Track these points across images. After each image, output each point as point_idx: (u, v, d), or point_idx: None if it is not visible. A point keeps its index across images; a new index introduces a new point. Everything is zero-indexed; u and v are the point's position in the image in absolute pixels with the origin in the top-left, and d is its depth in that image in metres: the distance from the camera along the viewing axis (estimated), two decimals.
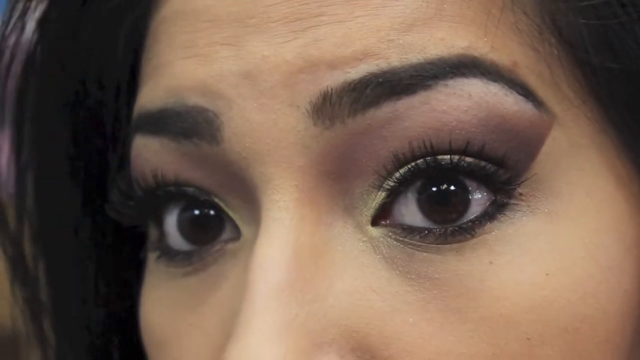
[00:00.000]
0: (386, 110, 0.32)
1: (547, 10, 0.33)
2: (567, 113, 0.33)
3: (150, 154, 0.35)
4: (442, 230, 0.32)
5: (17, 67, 0.42)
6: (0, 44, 0.41)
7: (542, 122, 0.32)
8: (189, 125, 0.34)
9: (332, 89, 0.32)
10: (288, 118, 0.32)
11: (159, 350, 0.37)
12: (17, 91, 0.42)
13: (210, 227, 0.36)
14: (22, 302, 0.44)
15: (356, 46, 0.32)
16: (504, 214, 0.32)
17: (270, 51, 0.33)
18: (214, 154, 0.34)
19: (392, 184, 0.33)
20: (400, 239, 0.33)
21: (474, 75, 0.32)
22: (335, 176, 0.33)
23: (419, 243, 0.32)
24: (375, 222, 0.33)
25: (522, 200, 0.32)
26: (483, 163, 0.32)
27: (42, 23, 0.40)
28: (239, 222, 0.35)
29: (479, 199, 0.32)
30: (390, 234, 0.33)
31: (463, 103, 0.32)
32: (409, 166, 0.32)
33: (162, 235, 0.37)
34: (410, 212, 0.33)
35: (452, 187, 0.32)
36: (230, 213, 0.35)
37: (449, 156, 0.32)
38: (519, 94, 0.32)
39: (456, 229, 0.32)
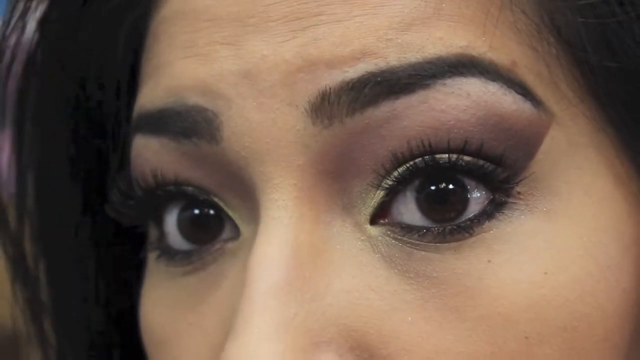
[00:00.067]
0: (384, 109, 0.32)
1: (545, 9, 0.33)
2: (566, 112, 0.33)
3: (150, 154, 0.35)
4: (441, 229, 0.32)
5: (17, 67, 0.42)
6: (1, 44, 0.41)
7: (540, 121, 0.32)
8: (189, 124, 0.34)
9: (330, 88, 0.32)
10: (287, 117, 0.32)
11: (158, 350, 0.37)
12: (17, 91, 0.42)
13: (209, 227, 0.36)
14: (23, 301, 0.44)
15: (354, 45, 0.32)
16: (502, 212, 0.32)
17: (270, 50, 0.33)
18: (213, 153, 0.34)
19: (390, 183, 0.33)
20: (399, 237, 0.33)
21: (473, 75, 0.32)
22: (334, 175, 0.33)
23: (417, 242, 0.32)
24: (373, 221, 0.33)
25: (521, 199, 0.32)
26: (481, 162, 0.32)
27: (42, 23, 0.40)
28: (238, 221, 0.35)
29: (477, 197, 0.32)
30: (389, 232, 0.33)
31: (461, 102, 0.32)
32: (408, 165, 0.32)
33: (161, 234, 0.37)
34: (408, 210, 0.33)
35: (451, 186, 0.32)
36: (230, 212, 0.35)
37: (447, 155, 0.32)
38: (518, 93, 0.32)
39: (454, 227, 0.32)
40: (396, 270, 0.32)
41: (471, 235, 0.32)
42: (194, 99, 0.34)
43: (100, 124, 0.42)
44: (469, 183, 0.32)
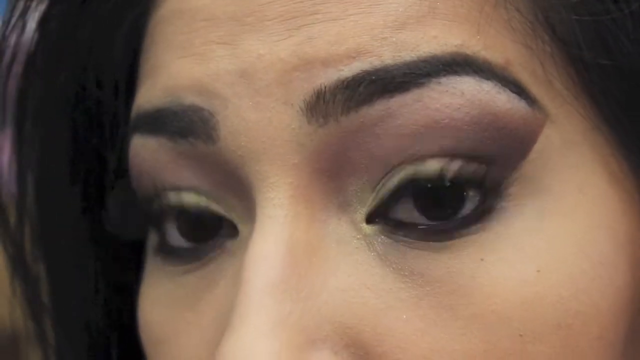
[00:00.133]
0: (379, 108, 0.32)
1: (540, 7, 0.33)
2: (560, 110, 0.33)
3: (148, 153, 0.35)
4: (435, 227, 0.32)
5: (17, 67, 0.42)
6: (1, 44, 0.42)
7: (534, 120, 0.32)
8: (185, 124, 0.34)
9: (325, 87, 0.32)
10: (282, 116, 0.32)
11: (157, 349, 0.37)
12: (17, 91, 0.42)
13: (208, 225, 0.36)
14: (23, 301, 0.44)
15: (350, 44, 0.32)
16: (495, 212, 0.32)
17: (266, 49, 0.33)
18: (210, 153, 0.34)
19: (385, 181, 0.33)
20: (394, 236, 0.33)
21: (467, 73, 0.32)
22: (330, 174, 0.33)
23: (412, 240, 0.32)
24: (369, 219, 0.33)
25: (511, 200, 0.32)
26: (474, 162, 0.32)
27: (42, 23, 0.41)
28: (236, 220, 0.35)
29: (471, 196, 0.32)
30: (384, 231, 0.33)
31: (455, 101, 0.32)
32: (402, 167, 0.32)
33: (161, 233, 0.37)
34: (404, 209, 0.33)
35: (446, 185, 0.33)
36: (227, 212, 0.35)
37: (440, 156, 0.32)
38: (512, 91, 0.32)
39: (449, 226, 0.32)
40: (391, 269, 0.32)
41: (464, 234, 0.32)
42: (191, 99, 0.34)
43: (99, 124, 0.42)
44: (463, 183, 0.32)
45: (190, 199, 0.36)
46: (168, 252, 0.37)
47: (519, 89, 0.32)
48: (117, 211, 0.39)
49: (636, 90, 0.33)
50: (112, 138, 0.42)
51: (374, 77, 0.32)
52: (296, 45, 0.32)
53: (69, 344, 0.44)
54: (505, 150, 0.32)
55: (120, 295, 0.43)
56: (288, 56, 0.32)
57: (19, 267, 0.44)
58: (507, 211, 0.32)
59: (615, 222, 0.33)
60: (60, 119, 0.42)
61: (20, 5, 0.41)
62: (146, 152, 0.35)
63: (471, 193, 0.32)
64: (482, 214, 0.32)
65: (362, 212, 0.33)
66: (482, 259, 0.32)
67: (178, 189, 0.36)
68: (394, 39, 0.32)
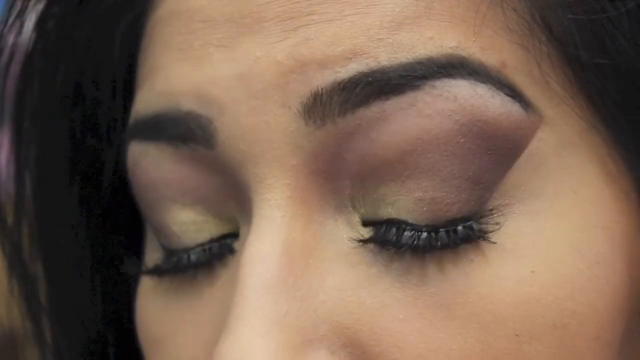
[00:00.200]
0: (375, 109, 0.32)
1: (536, 7, 0.33)
2: (557, 111, 0.33)
3: (149, 161, 0.35)
4: (431, 229, 0.32)
5: (15, 67, 0.42)
6: None
7: (528, 124, 0.32)
8: (184, 131, 0.34)
9: (322, 89, 0.32)
10: (280, 119, 0.33)
11: (154, 347, 0.37)
12: (16, 90, 0.42)
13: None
14: (20, 301, 0.44)
15: (346, 45, 0.32)
16: (488, 215, 0.32)
17: (263, 52, 0.33)
18: (210, 157, 0.34)
19: (380, 185, 0.33)
20: (391, 237, 0.33)
21: (462, 76, 0.32)
22: (327, 175, 0.33)
23: (408, 241, 0.32)
24: (365, 220, 0.33)
25: (494, 214, 0.32)
26: (458, 182, 0.32)
27: (40, 22, 0.41)
28: (235, 222, 0.35)
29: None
30: (380, 232, 0.33)
31: (448, 106, 0.32)
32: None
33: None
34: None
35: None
36: (227, 215, 0.35)
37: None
38: (506, 94, 0.32)
39: (445, 229, 0.32)
40: (388, 269, 0.33)
41: (460, 237, 0.32)
42: (188, 105, 0.34)
43: (97, 124, 0.42)
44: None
45: (191, 217, 0.36)
46: (166, 252, 0.37)
47: (513, 92, 0.32)
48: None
49: (633, 90, 0.33)
50: (109, 138, 0.42)
51: (370, 79, 0.32)
52: (292, 47, 0.32)
53: (66, 344, 0.44)
54: (494, 156, 0.32)
55: (117, 294, 0.43)
56: (284, 58, 0.32)
57: (16, 266, 0.44)
58: (501, 213, 0.32)
59: (612, 222, 0.33)
60: (58, 118, 0.42)
61: (18, 4, 0.41)
62: (146, 159, 0.36)
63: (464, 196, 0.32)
64: (463, 234, 0.32)
65: (358, 214, 0.33)
66: (471, 261, 0.32)
67: (181, 202, 0.35)
68: (390, 40, 0.32)
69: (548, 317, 0.32)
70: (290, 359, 0.31)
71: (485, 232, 0.32)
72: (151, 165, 0.35)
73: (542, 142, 0.33)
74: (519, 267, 0.32)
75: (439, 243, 0.32)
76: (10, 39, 0.41)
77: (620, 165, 0.34)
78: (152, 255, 0.38)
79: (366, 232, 0.33)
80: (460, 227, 0.32)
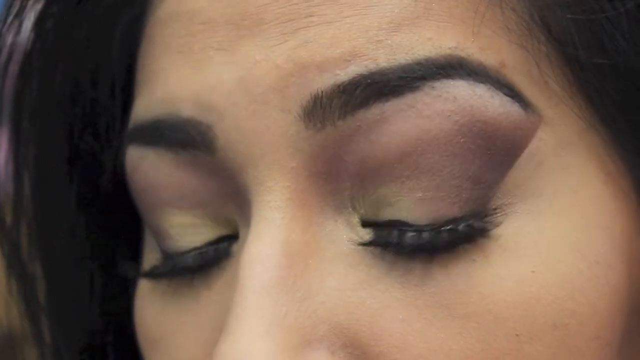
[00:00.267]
0: (375, 111, 0.32)
1: (535, 6, 0.33)
2: (556, 110, 0.33)
3: (147, 165, 0.35)
4: (433, 229, 0.32)
5: (14, 66, 0.42)
6: None
7: (527, 124, 0.32)
8: (184, 137, 0.34)
9: (322, 92, 0.32)
10: (280, 123, 0.33)
11: (153, 348, 0.37)
12: (15, 90, 0.42)
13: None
14: (19, 300, 0.44)
15: (345, 47, 0.32)
16: (489, 215, 0.32)
17: (262, 55, 0.33)
18: (209, 161, 0.34)
19: (380, 186, 0.33)
20: (390, 238, 0.32)
21: (461, 77, 0.32)
22: (327, 177, 0.33)
23: (409, 242, 0.32)
24: (365, 221, 0.33)
25: (497, 213, 0.32)
26: (459, 181, 0.32)
27: (38, 22, 0.41)
28: (234, 225, 0.35)
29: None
30: (380, 233, 0.33)
31: (447, 107, 0.32)
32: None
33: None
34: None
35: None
36: (226, 219, 0.35)
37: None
38: (506, 94, 0.32)
39: (446, 228, 0.32)
40: (388, 269, 0.33)
41: (461, 237, 0.32)
42: (188, 112, 0.34)
43: (96, 124, 0.42)
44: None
45: (189, 220, 0.36)
46: (165, 252, 0.37)
47: (512, 92, 0.32)
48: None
49: (632, 89, 0.33)
50: (108, 138, 0.42)
51: (369, 81, 0.32)
52: (291, 50, 0.32)
53: (65, 344, 0.44)
54: (493, 159, 0.32)
55: (116, 294, 0.43)
56: (284, 62, 0.32)
57: (15, 266, 0.44)
58: (503, 213, 0.32)
59: (611, 222, 0.33)
60: (56, 118, 0.42)
61: (17, 4, 0.41)
62: (145, 163, 0.36)
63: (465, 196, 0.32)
64: (464, 233, 0.32)
65: (358, 215, 0.33)
66: (474, 260, 0.32)
67: (179, 206, 0.36)
68: (389, 42, 0.32)
69: (548, 317, 0.32)
70: (289, 359, 0.31)
71: (487, 231, 0.32)
72: (149, 169, 0.35)
73: (542, 142, 0.33)
74: (520, 267, 0.32)
75: (440, 243, 0.32)
76: (9, 39, 0.41)
77: (619, 165, 0.34)
78: (150, 257, 0.38)
79: (366, 233, 0.33)
80: (461, 227, 0.32)
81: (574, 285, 0.32)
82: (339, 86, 0.32)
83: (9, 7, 0.41)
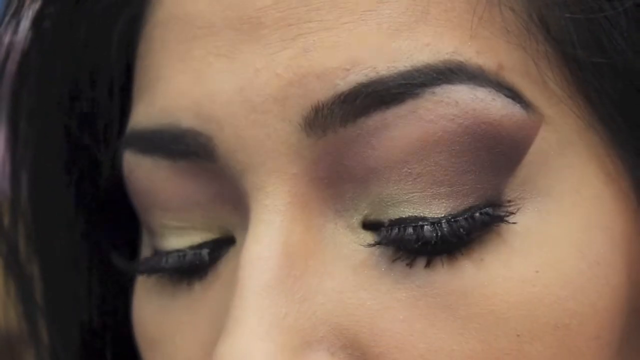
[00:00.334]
0: (376, 119, 0.32)
1: (534, 6, 0.33)
2: (555, 110, 0.33)
3: (142, 173, 0.36)
4: (450, 220, 0.32)
5: (12, 66, 0.42)
6: None
7: (530, 123, 0.32)
8: (184, 147, 0.34)
9: (322, 103, 0.32)
10: (280, 132, 0.33)
11: (151, 348, 0.37)
12: (12, 89, 0.42)
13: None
14: (16, 301, 0.44)
15: (344, 55, 0.32)
16: (495, 218, 0.32)
17: (262, 63, 0.33)
18: (209, 168, 0.34)
19: (381, 189, 0.33)
20: (391, 239, 0.32)
21: (461, 82, 0.32)
22: (327, 181, 0.33)
23: (409, 243, 0.32)
24: (365, 224, 0.33)
25: (511, 205, 0.32)
26: (470, 175, 0.32)
27: (36, 21, 0.40)
28: (232, 228, 0.35)
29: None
30: (381, 235, 0.33)
31: (450, 111, 0.32)
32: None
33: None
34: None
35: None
36: (224, 222, 0.35)
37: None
38: (506, 96, 0.32)
39: (463, 218, 0.32)
40: (388, 271, 0.32)
41: (464, 237, 0.32)
42: (188, 123, 0.34)
43: (94, 124, 0.42)
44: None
45: (186, 222, 0.36)
46: (163, 253, 0.37)
47: (513, 93, 0.32)
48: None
49: (630, 89, 0.33)
50: (106, 138, 0.41)
51: (369, 90, 0.32)
52: (291, 59, 0.32)
53: (63, 345, 0.44)
54: (500, 157, 0.32)
55: (114, 294, 0.43)
56: (284, 71, 0.32)
57: (13, 267, 0.44)
58: (508, 215, 0.32)
59: (612, 222, 0.33)
60: (54, 118, 0.42)
61: (15, 3, 0.40)
62: (141, 171, 0.36)
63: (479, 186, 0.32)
64: (482, 222, 0.32)
65: (358, 217, 0.33)
66: (482, 259, 0.32)
67: (176, 209, 0.35)
68: (388, 49, 0.32)
69: (550, 317, 0.32)
70: None
71: (503, 219, 0.32)
72: (147, 174, 0.36)
73: (545, 141, 0.33)
74: (524, 266, 0.32)
75: (459, 232, 0.32)
76: (7, 38, 0.41)
77: (619, 165, 0.34)
78: (148, 257, 0.38)
79: (367, 235, 0.33)
80: (478, 214, 0.32)
81: (575, 286, 0.32)
82: (339, 96, 0.32)
83: (7, 6, 0.40)
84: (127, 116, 0.37)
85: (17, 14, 0.41)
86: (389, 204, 0.33)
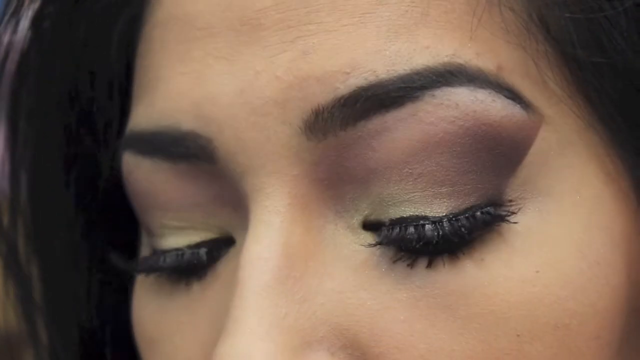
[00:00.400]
0: (376, 122, 0.32)
1: (534, 6, 0.33)
2: (555, 110, 0.33)
3: (141, 174, 0.36)
4: (451, 219, 0.32)
5: (11, 66, 0.42)
6: None
7: (529, 124, 0.32)
8: (184, 150, 0.34)
9: (323, 106, 0.32)
10: (280, 135, 0.33)
11: (150, 348, 0.37)
12: (11, 89, 0.42)
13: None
14: (15, 300, 0.44)
15: (344, 59, 0.32)
16: (496, 218, 0.32)
17: (262, 66, 0.33)
18: (208, 170, 0.34)
19: (382, 190, 0.33)
20: (391, 240, 0.32)
21: (461, 84, 0.32)
22: (327, 182, 0.33)
23: (410, 244, 0.32)
24: (366, 225, 0.33)
25: (512, 204, 0.32)
26: (471, 175, 0.32)
27: (35, 21, 0.40)
28: (229, 229, 0.35)
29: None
30: (381, 236, 0.33)
31: (450, 113, 0.32)
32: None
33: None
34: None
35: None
36: (224, 224, 0.35)
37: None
38: (506, 97, 0.32)
39: (465, 217, 0.32)
40: (389, 271, 0.32)
41: (465, 237, 0.32)
42: (188, 125, 0.34)
43: (93, 123, 0.42)
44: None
45: (184, 223, 0.36)
46: (162, 253, 0.37)
47: (513, 94, 0.32)
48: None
49: (630, 89, 0.33)
50: (106, 138, 0.41)
51: (369, 93, 0.32)
52: (291, 61, 0.32)
53: (62, 345, 0.44)
54: (501, 157, 0.32)
55: (114, 294, 0.43)
56: (284, 74, 0.32)
57: (12, 266, 0.44)
58: (509, 215, 0.32)
59: (611, 222, 0.33)
60: (54, 118, 0.42)
61: (14, 2, 0.40)
62: (140, 172, 0.36)
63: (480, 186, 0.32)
64: (483, 222, 0.32)
65: (359, 218, 0.33)
66: (483, 259, 0.32)
67: (175, 209, 0.36)
68: (388, 52, 0.32)
69: (550, 317, 0.32)
70: None
71: (504, 218, 0.32)
72: (147, 175, 0.36)
73: (545, 142, 0.33)
74: (525, 266, 0.32)
75: (461, 231, 0.32)
76: (6, 37, 0.41)
77: (619, 165, 0.34)
78: (146, 256, 0.38)
79: (368, 235, 0.33)
80: (479, 213, 0.32)
81: (575, 286, 0.32)
82: (339, 99, 0.32)
83: (6, 5, 0.40)
84: (126, 116, 0.37)
85: (16, 14, 0.41)
86: (389, 203, 0.33)
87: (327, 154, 0.32)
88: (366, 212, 0.33)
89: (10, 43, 0.41)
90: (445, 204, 0.32)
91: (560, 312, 0.32)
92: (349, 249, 0.33)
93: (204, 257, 0.35)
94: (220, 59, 0.33)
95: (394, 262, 0.32)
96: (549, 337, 0.32)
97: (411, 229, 0.32)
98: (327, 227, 0.33)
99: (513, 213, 0.32)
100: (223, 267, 0.35)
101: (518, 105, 0.32)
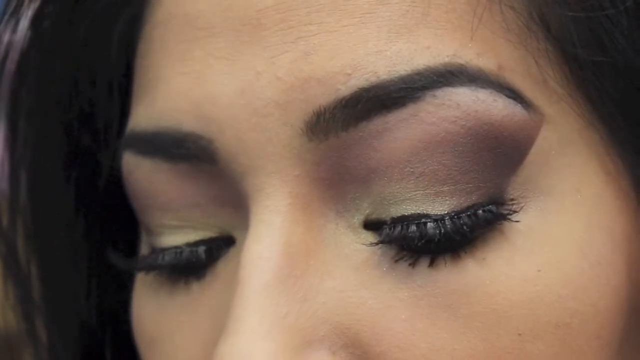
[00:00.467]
0: (377, 122, 0.32)
1: (534, 5, 0.33)
2: (556, 109, 0.33)
3: (142, 174, 0.36)
4: (454, 217, 0.32)
5: (11, 65, 0.42)
6: None
7: (531, 123, 0.32)
8: (185, 151, 0.34)
9: (324, 108, 0.32)
10: (282, 136, 0.33)
11: (150, 348, 0.37)
12: (11, 88, 0.42)
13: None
14: (15, 300, 0.44)
15: (345, 60, 0.32)
16: (498, 217, 0.32)
17: (263, 66, 0.33)
18: (209, 170, 0.34)
19: (383, 189, 0.33)
20: (393, 239, 0.32)
21: (462, 84, 0.32)
22: (329, 182, 0.33)
23: (411, 243, 0.32)
24: (367, 224, 0.33)
25: (514, 203, 0.32)
26: (473, 174, 0.32)
27: (35, 21, 0.40)
28: (229, 228, 0.35)
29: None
30: (382, 235, 0.33)
31: (451, 113, 0.32)
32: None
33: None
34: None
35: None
36: (224, 224, 0.35)
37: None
38: (508, 97, 0.32)
39: (466, 214, 0.32)
40: (390, 270, 0.32)
41: (466, 236, 0.32)
42: (189, 126, 0.34)
43: (93, 123, 0.42)
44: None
45: (184, 222, 0.36)
46: (162, 253, 0.37)
47: (513, 94, 0.32)
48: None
49: (631, 88, 0.33)
50: (106, 138, 0.41)
51: (371, 94, 0.32)
52: (292, 62, 0.32)
53: (62, 344, 0.44)
54: (502, 157, 0.32)
55: (113, 294, 0.43)
56: (285, 75, 0.32)
57: (11, 266, 0.44)
58: (510, 214, 0.32)
59: (612, 222, 0.33)
60: (53, 117, 0.42)
61: (14, 2, 0.40)
62: (140, 172, 0.36)
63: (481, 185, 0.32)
64: (484, 220, 0.32)
65: (360, 217, 0.33)
66: (484, 259, 0.32)
67: (174, 209, 0.35)
68: (388, 52, 0.32)
69: (551, 316, 0.32)
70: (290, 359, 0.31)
71: (506, 217, 0.32)
72: (147, 176, 0.35)
73: (546, 141, 0.33)
74: (527, 265, 0.32)
75: (463, 229, 0.32)
76: (6, 37, 0.41)
77: (619, 164, 0.34)
78: (145, 255, 0.38)
79: (369, 234, 0.33)
80: (481, 211, 0.32)
81: (576, 285, 0.32)
82: (340, 101, 0.32)
83: (6, 5, 0.40)
84: (126, 116, 0.37)
85: (16, 13, 0.41)
86: (391, 202, 0.33)
87: (329, 154, 0.32)
88: (367, 212, 0.33)
89: (10, 43, 0.41)
90: (447, 202, 0.32)
91: (562, 311, 0.32)
92: (350, 248, 0.33)
93: (203, 256, 0.35)
94: (220, 59, 0.33)
95: (396, 261, 0.32)
96: (550, 336, 0.32)
97: (413, 227, 0.32)
98: (328, 226, 0.33)
99: (515, 212, 0.32)
100: (223, 267, 0.35)
101: (519, 105, 0.32)
